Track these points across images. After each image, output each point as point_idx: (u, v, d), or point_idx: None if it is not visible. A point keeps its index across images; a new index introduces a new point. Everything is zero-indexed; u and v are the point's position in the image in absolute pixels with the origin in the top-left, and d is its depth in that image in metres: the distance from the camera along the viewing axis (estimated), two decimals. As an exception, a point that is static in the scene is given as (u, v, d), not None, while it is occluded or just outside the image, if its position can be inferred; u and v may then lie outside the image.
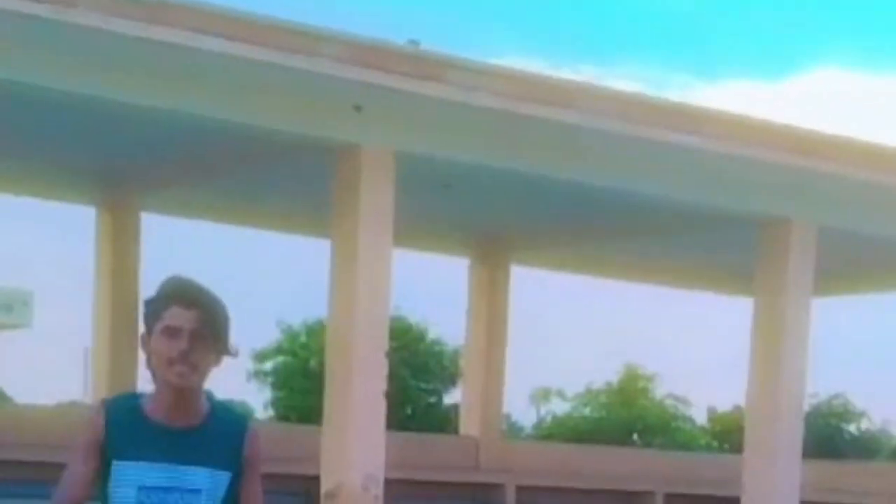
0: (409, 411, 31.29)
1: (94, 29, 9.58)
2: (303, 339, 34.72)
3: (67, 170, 14.03)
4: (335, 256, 12.12)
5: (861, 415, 35.08)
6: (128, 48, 9.97)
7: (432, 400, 34.96)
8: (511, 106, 11.55)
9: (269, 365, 35.82)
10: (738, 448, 27.99)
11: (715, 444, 35.38)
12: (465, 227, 16.16)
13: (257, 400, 40.50)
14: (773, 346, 13.69)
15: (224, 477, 3.73)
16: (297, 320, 34.96)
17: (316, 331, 34.36)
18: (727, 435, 34.77)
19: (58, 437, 13.75)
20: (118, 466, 3.63)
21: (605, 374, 36.37)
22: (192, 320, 3.67)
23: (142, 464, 3.64)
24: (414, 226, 12.74)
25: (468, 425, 17.84)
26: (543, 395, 45.79)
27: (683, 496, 17.08)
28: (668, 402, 36.99)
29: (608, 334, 39.97)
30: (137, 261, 14.92)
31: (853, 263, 16.09)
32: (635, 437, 35.40)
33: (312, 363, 32.18)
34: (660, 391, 36.79)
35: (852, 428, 34.64)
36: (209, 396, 3.81)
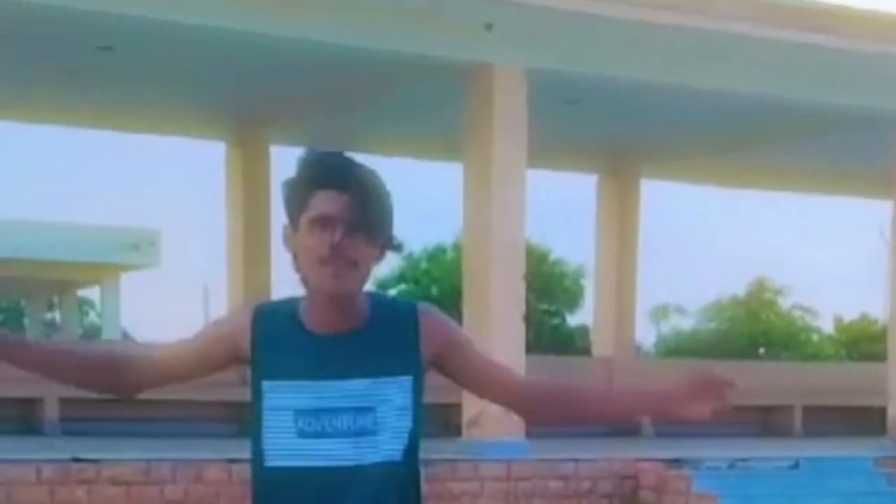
0: (533, 334, 31.21)
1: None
2: (424, 265, 34.76)
3: (197, 106, 14.04)
4: (469, 179, 11.97)
5: None
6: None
7: (556, 321, 34.86)
8: (642, 14, 11.29)
9: (391, 293, 35.97)
10: (867, 357, 27.67)
11: (843, 353, 34.83)
12: (593, 142, 15.89)
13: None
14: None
15: (404, 383, 2.94)
16: (417, 247, 35.00)
17: (437, 257, 34.44)
18: (855, 344, 34.26)
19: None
20: (270, 387, 2.90)
21: (733, 287, 35.95)
22: (348, 206, 2.81)
23: (299, 383, 2.89)
24: (542, 144, 12.53)
25: (601, 346, 17.68)
26: (663, 312, 45.48)
27: (822, 408, 16.76)
28: (796, 313, 36.50)
29: (738, 248, 39.47)
30: (269, 194, 14.89)
31: None
32: (761, 350, 35.00)
33: (434, 290, 32.24)
34: (786, 302, 36.31)
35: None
36: (370, 294, 2.98)
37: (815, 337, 36.46)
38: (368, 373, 2.91)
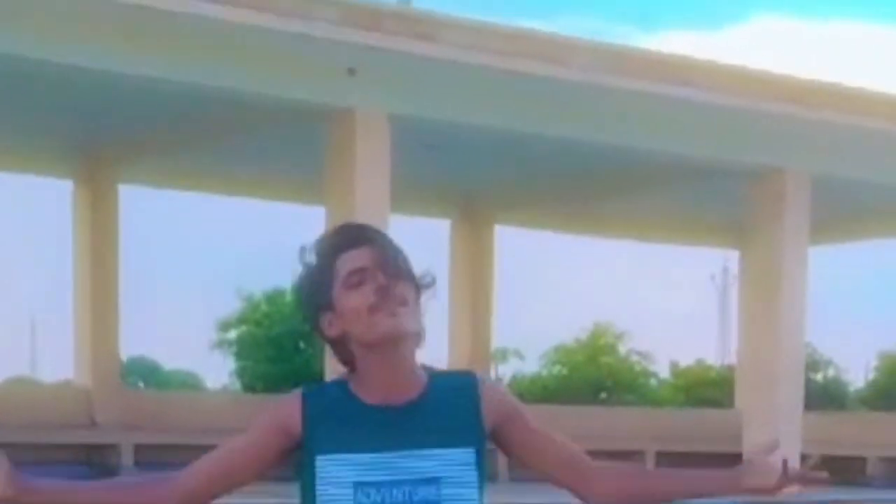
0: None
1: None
2: (264, 307, 34.47)
3: (45, 143, 13.66)
4: (330, 223, 11.87)
5: (828, 363, 35.26)
6: (108, 14, 9.65)
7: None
8: (499, 62, 11.33)
9: (232, 334, 35.56)
10: (703, 402, 28.15)
11: (682, 397, 35.44)
12: (449, 188, 15.92)
13: (222, 370, 40.08)
14: (769, 298, 13.57)
15: (466, 455, 2.86)
16: (257, 289, 34.69)
17: (276, 300, 34.16)
18: (692, 389, 34.86)
19: (8, 416, 13.84)
20: (325, 461, 2.82)
21: (574, 332, 36.34)
22: (371, 255, 2.82)
23: (356, 455, 2.82)
24: (400, 189, 12.50)
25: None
26: (502, 355, 45.78)
27: (675, 454, 16.92)
28: (633, 357, 37.04)
29: (581, 293, 40.03)
30: (116, 232, 14.63)
31: (848, 211, 15.92)
32: (603, 394, 35.42)
33: (274, 332, 31.95)
34: (624, 348, 36.83)
35: (819, 377, 34.76)
36: (426, 366, 2.93)
37: (653, 381, 37.05)
38: (430, 443, 2.85)
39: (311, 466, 2.85)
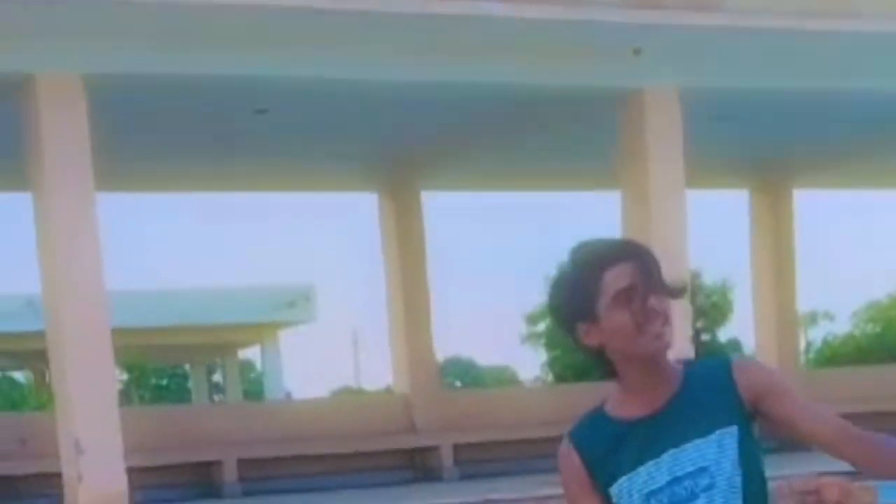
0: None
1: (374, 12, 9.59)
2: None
3: (349, 159, 14.16)
4: (627, 205, 11.89)
5: None
6: (398, 26, 9.97)
7: (706, 338, 34.47)
8: (788, 23, 11.11)
9: (541, 326, 35.92)
10: None
11: None
12: (743, 157, 15.67)
13: (534, 363, 40.44)
14: None
15: (729, 436, 2.95)
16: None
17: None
18: None
19: (337, 426, 14.33)
20: (616, 488, 2.99)
21: (886, 289, 35.13)
22: (637, 271, 2.90)
23: (637, 472, 2.96)
24: (694, 163, 12.40)
25: (762, 359, 17.36)
26: (811, 318, 44.62)
27: None
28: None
29: (887, 249, 38.58)
30: (423, 238, 15.02)
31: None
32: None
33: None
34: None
35: None
36: (677, 360, 3.05)
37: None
38: (695, 434, 2.96)
39: (608, 499, 3.01)
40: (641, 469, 2.95)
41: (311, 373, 42.64)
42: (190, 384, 35.28)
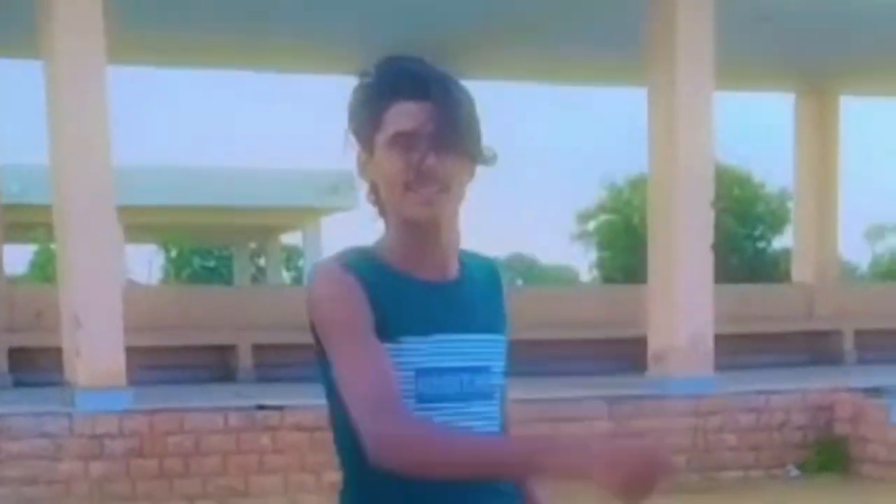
0: (735, 260, 30.41)
1: None
2: (626, 195, 34.30)
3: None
4: (652, 105, 11.55)
5: None
6: None
7: (760, 245, 34.02)
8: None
9: (591, 225, 35.66)
10: None
11: None
12: (788, 60, 15.19)
13: (582, 262, 40.18)
14: None
15: (502, 344, 2.54)
16: (620, 176, 34.58)
17: (639, 186, 33.95)
18: None
19: None
20: (395, 346, 2.40)
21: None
22: (429, 118, 2.34)
23: (415, 339, 2.42)
24: (732, 64, 11.97)
25: (801, 271, 17.01)
26: (878, 232, 43.92)
27: None
28: None
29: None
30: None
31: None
32: None
33: (636, 220, 31.80)
34: None
35: None
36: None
37: None
38: (477, 328, 2.51)
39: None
40: (419, 339, 2.43)
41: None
42: (234, 267, 35.40)
